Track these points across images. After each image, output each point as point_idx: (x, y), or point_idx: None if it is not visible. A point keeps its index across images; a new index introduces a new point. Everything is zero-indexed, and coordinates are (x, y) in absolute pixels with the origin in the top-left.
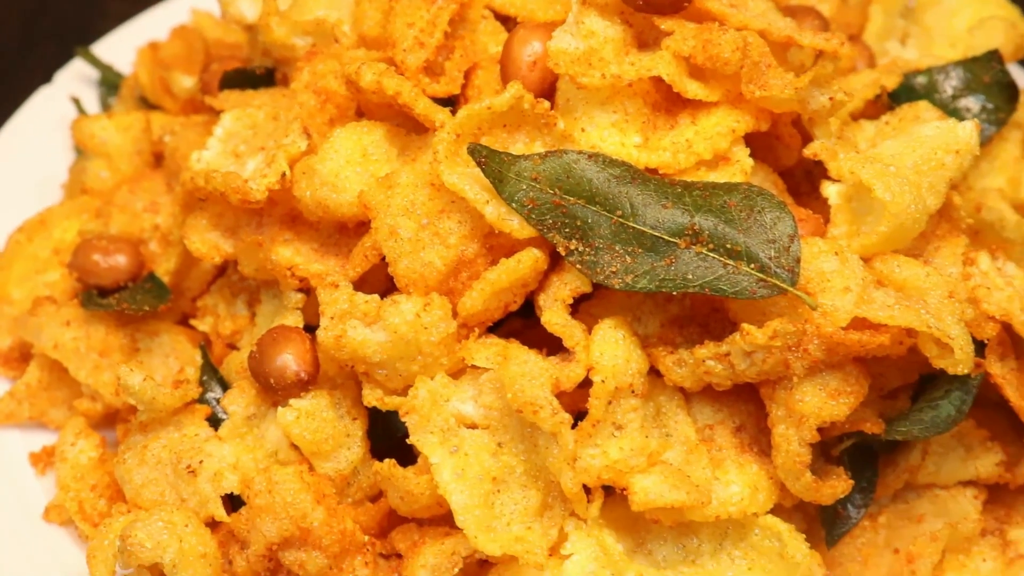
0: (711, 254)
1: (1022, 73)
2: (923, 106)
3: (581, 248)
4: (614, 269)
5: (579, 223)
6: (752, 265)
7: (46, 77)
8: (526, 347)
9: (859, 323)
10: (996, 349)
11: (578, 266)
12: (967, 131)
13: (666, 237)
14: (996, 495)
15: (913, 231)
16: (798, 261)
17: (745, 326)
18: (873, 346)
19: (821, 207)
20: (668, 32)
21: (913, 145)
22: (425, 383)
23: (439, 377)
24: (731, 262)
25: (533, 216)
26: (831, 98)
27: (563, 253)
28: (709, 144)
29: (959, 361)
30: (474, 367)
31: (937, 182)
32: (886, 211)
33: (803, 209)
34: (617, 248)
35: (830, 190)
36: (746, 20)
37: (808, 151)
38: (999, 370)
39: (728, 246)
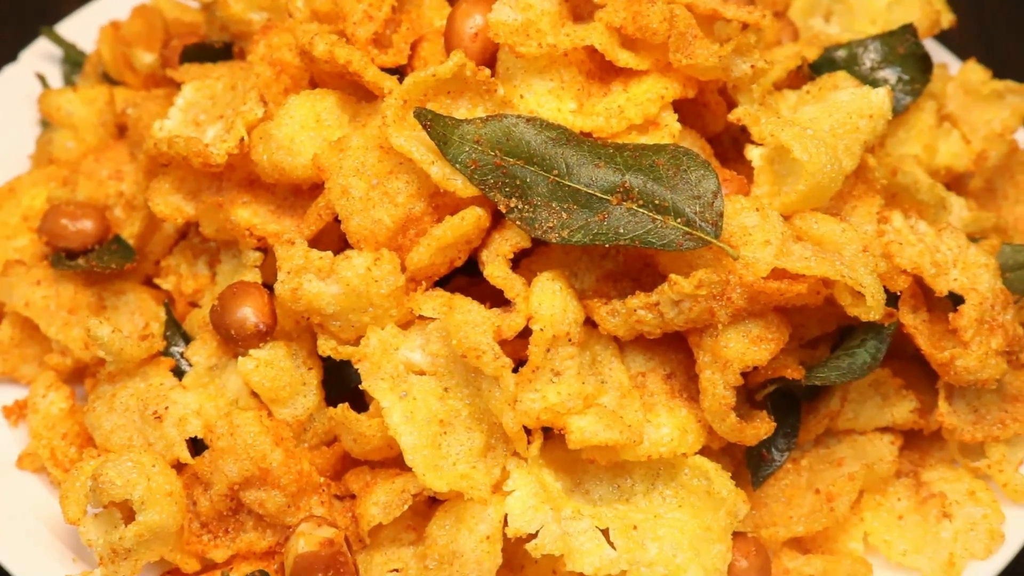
0: (641, 209)
1: (937, 48)
2: (841, 75)
3: (520, 206)
4: (551, 224)
5: (518, 182)
6: (679, 219)
7: (9, 57)
8: (470, 299)
9: (779, 273)
10: (909, 301)
11: (518, 223)
12: (880, 97)
13: (599, 194)
14: (911, 440)
15: (830, 190)
16: (721, 215)
17: (673, 276)
18: (792, 294)
19: (748, 171)
20: (601, 4)
21: (830, 110)
22: (376, 333)
23: (389, 327)
24: (659, 217)
25: (476, 176)
26: (752, 66)
27: (504, 211)
28: (640, 110)
29: (871, 308)
30: (422, 318)
31: (852, 144)
32: (804, 171)
33: (728, 171)
34: (554, 205)
35: (753, 153)
36: None
37: (732, 116)
38: (911, 320)
39: (656, 202)
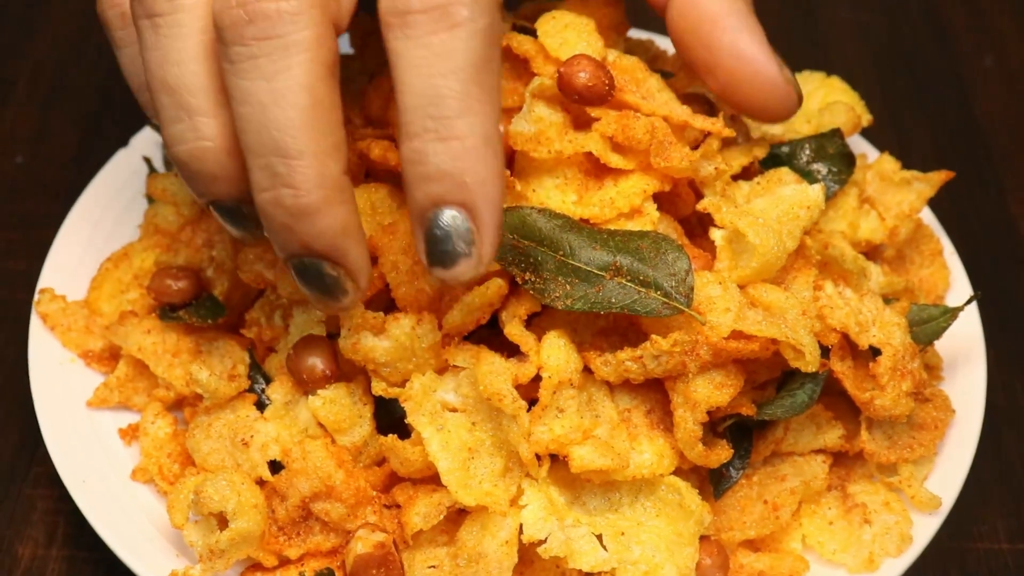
0: (629, 284)
1: (858, 139)
2: (784, 171)
3: (533, 278)
4: (557, 294)
5: (531, 260)
6: (658, 292)
7: (121, 141)
8: (493, 351)
9: (737, 334)
10: (838, 352)
11: (531, 292)
12: (816, 192)
13: (595, 271)
14: (839, 460)
15: (776, 266)
16: (692, 289)
17: (654, 336)
18: (747, 351)
19: (710, 247)
20: (596, 118)
21: (776, 202)
22: (418, 378)
23: (429, 373)
24: (643, 290)
25: (497, 255)
26: (716, 168)
27: (520, 282)
28: (627, 201)
29: (809, 362)
30: (455, 366)
31: (794, 229)
32: (756, 251)
33: (696, 249)
34: (560, 279)
35: (716, 234)
36: (654, 108)
37: (700, 206)
38: (840, 367)
39: (641, 278)
